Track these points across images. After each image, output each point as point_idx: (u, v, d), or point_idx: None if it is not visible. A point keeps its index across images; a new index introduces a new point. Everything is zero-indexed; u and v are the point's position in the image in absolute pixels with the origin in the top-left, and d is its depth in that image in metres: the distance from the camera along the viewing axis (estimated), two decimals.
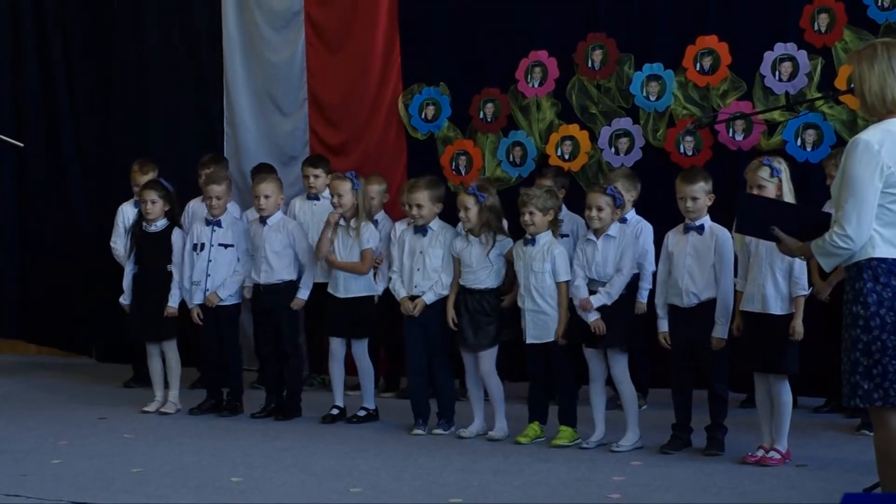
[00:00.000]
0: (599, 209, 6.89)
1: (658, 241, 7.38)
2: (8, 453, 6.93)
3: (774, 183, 6.27)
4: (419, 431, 7.40)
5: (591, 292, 6.89)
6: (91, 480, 6.27)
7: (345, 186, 7.71)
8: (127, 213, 8.95)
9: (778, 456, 6.35)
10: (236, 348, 8.25)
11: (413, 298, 7.43)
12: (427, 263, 7.42)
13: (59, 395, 8.98)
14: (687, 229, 6.73)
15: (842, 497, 4.71)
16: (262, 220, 7.99)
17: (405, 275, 7.50)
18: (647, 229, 7.58)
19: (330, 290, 7.82)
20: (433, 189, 7.52)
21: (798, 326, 6.33)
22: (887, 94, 4.70)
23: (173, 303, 8.13)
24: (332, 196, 7.78)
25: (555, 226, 7.16)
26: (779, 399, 6.38)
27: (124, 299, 8.33)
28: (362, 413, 7.77)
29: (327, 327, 7.96)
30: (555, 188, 7.68)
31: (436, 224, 7.52)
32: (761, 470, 6.25)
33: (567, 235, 7.74)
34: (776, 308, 6.34)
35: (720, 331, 6.59)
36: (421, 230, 7.48)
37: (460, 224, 7.41)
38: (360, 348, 7.83)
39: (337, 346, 7.85)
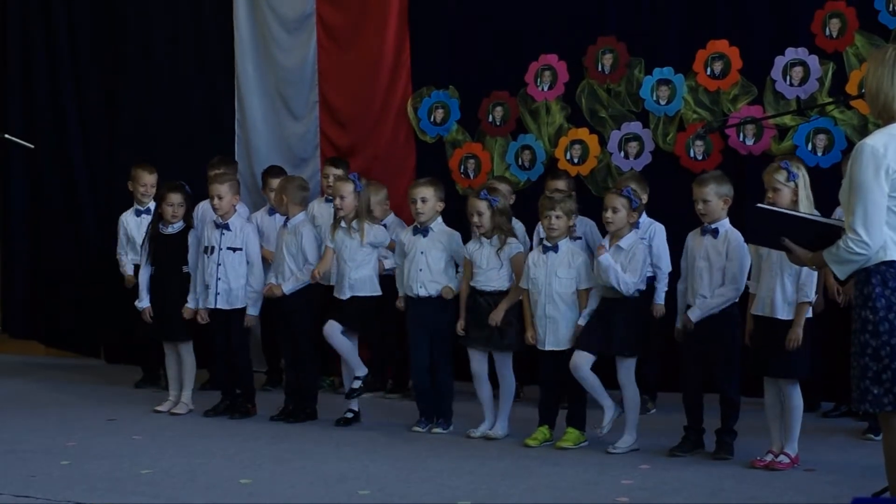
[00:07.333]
0: (615, 210, 6.88)
1: (671, 245, 7.41)
2: (17, 454, 6.94)
3: (790, 187, 6.24)
4: (419, 429, 7.44)
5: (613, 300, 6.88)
6: (100, 481, 6.27)
7: (347, 188, 7.70)
8: (128, 221, 8.97)
9: (787, 460, 6.34)
10: (246, 350, 8.23)
11: (412, 299, 7.45)
12: (430, 264, 7.43)
13: (68, 396, 8.98)
14: (703, 232, 6.74)
15: (851, 501, 4.72)
16: (285, 224, 7.96)
17: (406, 276, 7.49)
18: (660, 231, 7.62)
19: (336, 294, 7.77)
20: (436, 186, 7.56)
21: (794, 334, 6.25)
22: (880, 98, 4.73)
23: (192, 304, 8.15)
24: (335, 198, 7.77)
25: (572, 230, 7.19)
26: (789, 403, 6.36)
27: (141, 302, 8.28)
28: (349, 415, 7.76)
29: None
30: (570, 191, 7.71)
31: (437, 226, 7.52)
32: (770, 474, 6.25)
33: (580, 238, 7.74)
34: (783, 313, 6.31)
35: (694, 313, 6.60)
36: (422, 231, 7.48)
37: (473, 233, 7.42)
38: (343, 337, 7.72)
39: None
